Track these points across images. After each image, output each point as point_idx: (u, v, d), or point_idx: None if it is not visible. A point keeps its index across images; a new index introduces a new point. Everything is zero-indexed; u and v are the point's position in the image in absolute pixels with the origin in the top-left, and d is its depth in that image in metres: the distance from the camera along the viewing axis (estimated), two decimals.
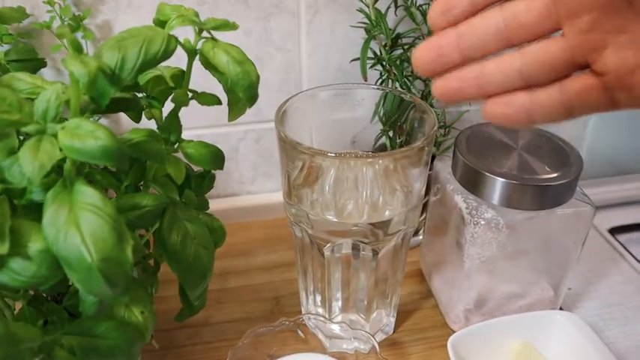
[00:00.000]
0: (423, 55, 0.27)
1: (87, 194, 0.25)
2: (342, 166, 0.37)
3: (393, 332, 0.48)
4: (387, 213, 0.40)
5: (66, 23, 0.49)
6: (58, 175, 0.28)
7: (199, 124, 0.58)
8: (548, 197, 0.40)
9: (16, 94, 0.26)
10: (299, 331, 0.43)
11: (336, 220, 0.39)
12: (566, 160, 0.41)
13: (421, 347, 0.46)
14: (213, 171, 0.37)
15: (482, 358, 0.42)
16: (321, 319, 0.43)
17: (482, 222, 0.40)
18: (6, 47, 0.48)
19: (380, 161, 0.38)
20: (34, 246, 0.25)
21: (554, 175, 0.40)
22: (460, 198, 0.42)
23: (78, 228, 0.24)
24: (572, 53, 0.25)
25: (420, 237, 0.56)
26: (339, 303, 0.46)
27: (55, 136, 0.25)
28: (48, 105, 0.26)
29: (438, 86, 0.28)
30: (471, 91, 0.27)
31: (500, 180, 0.39)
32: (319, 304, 0.46)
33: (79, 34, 0.51)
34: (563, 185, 0.39)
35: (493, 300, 0.45)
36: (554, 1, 0.25)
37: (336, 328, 0.43)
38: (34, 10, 0.50)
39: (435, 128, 0.36)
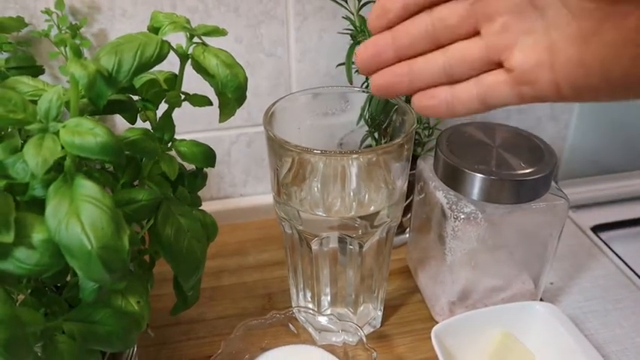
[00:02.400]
0: (362, 53, 0.32)
1: (86, 187, 0.27)
2: (328, 162, 0.39)
3: (381, 325, 0.50)
4: (372, 208, 0.42)
5: (63, 32, 0.52)
6: (57, 173, 0.30)
7: (192, 129, 0.60)
8: (524, 192, 0.42)
9: (20, 95, 0.27)
10: (290, 325, 0.45)
11: (324, 215, 0.41)
12: (541, 156, 0.43)
13: (407, 339, 0.48)
14: (205, 170, 0.39)
15: (465, 348, 0.44)
16: (311, 311, 0.44)
17: (463, 216, 0.42)
18: (5, 55, 0.50)
19: (363, 157, 0.40)
20: (38, 236, 0.27)
21: (530, 170, 0.42)
22: (441, 194, 0.44)
23: (78, 218, 0.26)
24: (488, 52, 0.28)
25: (407, 235, 0.58)
26: (328, 298, 0.47)
27: (56, 134, 0.27)
28: (50, 105, 0.28)
29: (375, 81, 0.32)
30: (403, 86, 0.31)
31: (478, 176, 0.42)
32: (309, 299, 0.48)
33: (76, 42, 0.53)
34: (538, 180, 0.42)
35: (476, 293, 0.47)
36: (473, 7, 0.28)
37: (325, 321, 0.45)
38: (33, 20, 0.52)
39: (414, 127, 0.38)
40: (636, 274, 0.57)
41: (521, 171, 0.42)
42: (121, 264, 0.27)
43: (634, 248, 0.62)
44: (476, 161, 0.43)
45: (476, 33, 0.29)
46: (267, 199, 0.65)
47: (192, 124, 0.59)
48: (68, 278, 0.34)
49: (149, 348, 0.47)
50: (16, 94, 0.27)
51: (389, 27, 0.31)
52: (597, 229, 0.65)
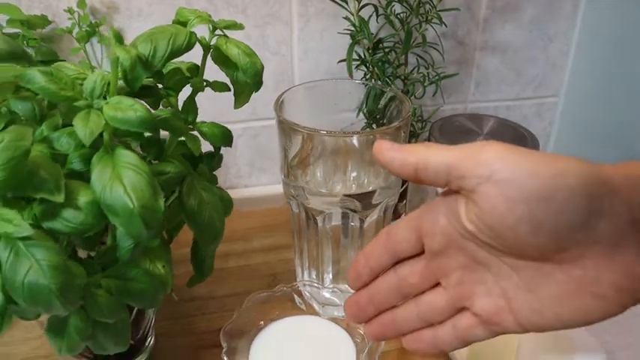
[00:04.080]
0: (349, 310, 0.37)
1: (126, 156, 0.31)
2: (332, 142, 0.43)
3: None
4: (370, 187, 0.46)
5: (83, 30, 0.56)
6: (92, 150, 0.34)
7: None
8: None
9: (69, 76, 0.31)
10: (296, 299, 0.48)
11: (327, 191, 0.45)
12: (525, 143, 0.48)
13: None
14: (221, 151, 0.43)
15: None
16: (316, 285, 0.48)
17: None
18: (30, 50, 0.54)
19: (363, 137, 0.44)
20: (83, 199, 0.31)
21: None
22: None
23: (121, 182, 0.30)
24: (452, 301, 0.33)
25: None
26: (330, 275, 0.51)
27: (100, 109, 0.31)
28: (94, 85, 0.32)
29: (368, 331, 0.37)
30: (391, 333, 0.36)
31: None
32: (314, 277, 0.52)
33: (94, 40, 0.57)
34: None
35: None
36: (429, 265, 0.33)
37: (328, 294, 0.48)
38: (55, 18, 0.56)
39: (410, 112, 0.43)
40: None
41: None
42: (157, 222, 0.31)
43: None
44: None
45: (437, 284, 0.33)
46: (271, 189, 0.70)
47: (201, 117, 0.63)
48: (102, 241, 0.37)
49: (164, 322, 0.51)
50: (65, 75, 0.31)
51: (364, 285, 0.36)
52: None
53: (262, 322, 0.47)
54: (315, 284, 0.48)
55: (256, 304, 0.47)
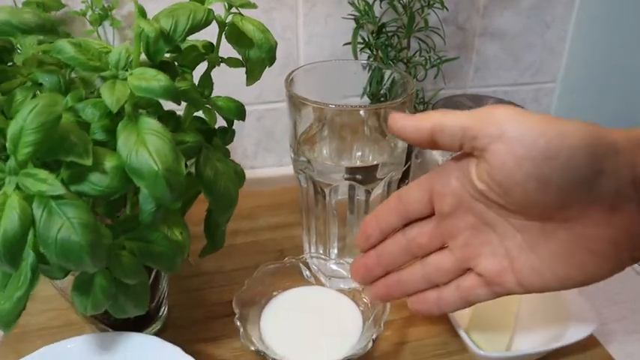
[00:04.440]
0: (355, 271, 0.39)
1: (150, 123, 0.33)
2: (340, 115, 0.45)
3: None
4: (374, 162, 0.48)
5: (96, 13, 0.57)
6: (112, 122, 0.36)
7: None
8: None
9: (96, 48, 0.33)
10: (303, 271, 0.50)
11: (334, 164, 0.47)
12: None
13: None
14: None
15: None
16: (323, 257, 0.50)
17: None
18: None
19: (369, 111, 0.46)
20: (109, 164, 0.33)
21: None
22: (438, 154, 0.51)
23: (145, 146, 0.32)
24: (458, 262, 0.35)
25: None
26: (336, 250, 0.53)
27: (124, 79, 0.33)
28: (119, 57, 0.33)
29: (373, 292, 0.39)
30: (396, 293, 0.38)
31: None
32: (320, 252, 0.54)
33: (106, 23, 0.58)
34: None
35: None
36: (438, 227, 0.35)
37: (334, 266, 0.50)
38: (69, 1, 0.58)
39: (414, 90, 0.45)
40: None
41: None
42: (179, 184, 0.32)
43: None
44: None
45: (444, 245, 0.35)
46: (276, 170, 0.72)
47: None
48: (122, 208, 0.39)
49: (176, 295, 0.53)
50: (93, 47, 0.33)
51: (373, 247, 0.38)
52: None
53: (271, 293, 0.49)
54: (322, 257, 0.50)
55: (266, 275, 0.49)
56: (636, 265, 0.57)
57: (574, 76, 0.76)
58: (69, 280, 0.42)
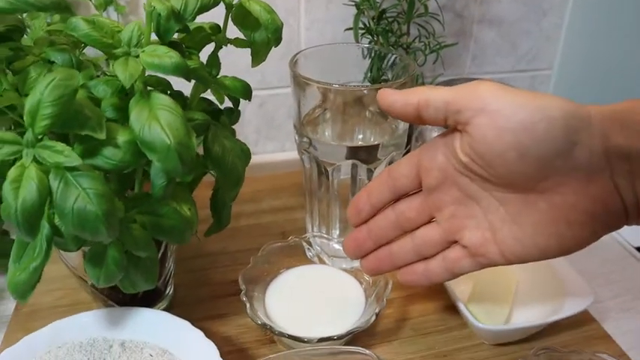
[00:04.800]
0: (347, 246, 0.40)
1: (161, 98, 0.34)
2: (343, 95, 0.46)
3: None
4: (376, 142, 0.49)
5: None
6: (122, 101, 0.37)
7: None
8: None
9: (109, 26, 0.34)
10: (307, 252, 0.51)
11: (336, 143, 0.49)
12: None
13: None
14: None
15: None
16: (325, 237, 0.52)
17: None
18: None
19: (371, 91, 0.47)
20: (122, 138, 0.34)
21: None
22: (436, 133, 0.52)
23: (158, 121, 0.33)
24: (444, 235, 0.36)
25: None
26: (337, 232, 0.54)
27: (137, 56, 0.34)
28: (132, 35, 0.34)
29: (364, 265, 0.40)
30: (386, 266, 0.40)
31: None
32: (323, 232, 0.55)
33: (111, 8, 0.59)
34: None
35: None
36: (426, 201, 0.36)
37: (337, 246, 0.52)
38: None
39: (415, 71, 0.46)
40: None
41: None
42: (191, 158, 0.33)
43: None
44: None
45: (432, 219, 0.37)
46: (277, 156, 0.73)
47: None
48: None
49: (181, 275, 0.54)
50: (106, 24, 0.34)
51: (364, 222, 0.39)
52: None
53: (276, 271, 0.50)
54: (325, 236, 0.52)
55: (271, 254, 0.50)
56: (633, 248, 0.59)
57: (570, 64, 0.77)
58: (80, 259, 0.43)
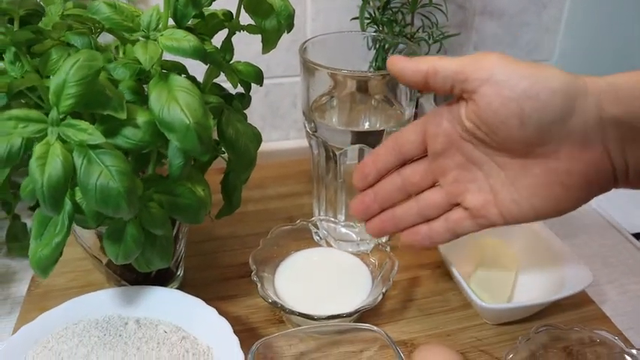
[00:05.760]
0: (355, 208, 0.42)
1: (180, 80, 0.35)
2: (351, 81, 0.48)
3: (389, 240, 0.58)
4: (381, 128, 0.50)
5: None
6: (139, 83, 0.38)
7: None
8: None
9: (130, 10, 0.35)
10: (314, 236, 0.53)
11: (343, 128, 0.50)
12: None
13: (413, 250, 0.57)
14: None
15: (463, 250, 0.52)
16: (332, 220, 0.53)
17: None
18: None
19: (378, 76, 0.48)
20: (141, 119, 0.35)
21: None
22: None
23: (177, 102, 0.34)
24: (447, 197, 0.39)
25: None
26: (343, 217, 0.56)
27: (155, 40, 0.35)
28: (151, 19, 0.36)
29: (369, 227, 0.42)
30: (390, 227, 0.41)
31: None
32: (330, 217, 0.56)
33: None
34: None
35: None
36: (430, 166, 0.38)
37: (343, 229, 0.53)
38: None
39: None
40: None
41: None
42: (208, 138, 0.35)
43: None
44: None
45: (435, 183, 0.39)
46: (282, 144, 0.74)
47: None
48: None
49: (191, 258, 0.55)
50: (126, 9, 0.35)
51: (369, 186, 0.41)
52: None
53: (285, 253, 0.51)
54: (332, 219, 0.53)
55: (279, 237, 0.51)
56: (630, 235, 0.60)
57: (569, 55, 0.79)
58: (94, 239, 0.44)
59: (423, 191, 0.39)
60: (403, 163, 0.40)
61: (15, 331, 0.46)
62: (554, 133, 0.32)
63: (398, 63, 0.36)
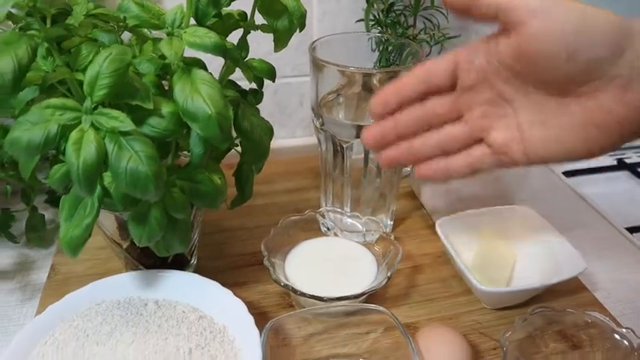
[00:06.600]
0: (369, 135, 0.41)
1: (202, 74, 0.38)
2: (358, 77, 0.51)
3: (392, 231, 0.61)
4: None
5: None
6: (158, 78, 0.40)
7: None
8: None
9: (155, 9, 0.38)
10: (322, 227, 0.55)
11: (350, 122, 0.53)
12: None
13: (415, 241, 0.60)
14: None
15: (461, 239, 0.55)
16: (339, 211, 0.56)
17: None
18: None
19: (384, 74, 0.51)
20: (165, 109, 0.37)
21: None
22: None
23: (200, 93, 0.37)
24: (471, 131, 0.38)
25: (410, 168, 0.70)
26: (349, 209, 0.58)
27: (179, 37, 0.38)
28: (175, 17, 0.38)
29: (383, 156, 0.41)
30: (406, 159, 0.40)
31: None
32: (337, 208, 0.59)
33: None
34: None
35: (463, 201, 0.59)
36: (458, 99, 0.38)
37: (350, 221, 0.56)
38: None
39: (423, 58, 0.50)
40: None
41: None
42: (228, 127, 0.38)
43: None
44: None
45: (459, 117, 0.38)
46: (289, 142, 0.77)
47: None
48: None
49: (203, 248, 0.57)
50: (152, 8, 0.38)
51: (388, 114, 0.40)
52: (567, 173, 0.76)
53: (294, 242, 0.54)
54: (339, 210, 0.56)
55: (289, 226, 0.54)
56: (623, 228, 0.63)
57: None
58: (114, 226, 0.47)
59: (444, 125, 0.38)
60: (425, 95, 0.38)
61: (37, 314, 0.49)
62: (602, 71, 0.31)
63: None
